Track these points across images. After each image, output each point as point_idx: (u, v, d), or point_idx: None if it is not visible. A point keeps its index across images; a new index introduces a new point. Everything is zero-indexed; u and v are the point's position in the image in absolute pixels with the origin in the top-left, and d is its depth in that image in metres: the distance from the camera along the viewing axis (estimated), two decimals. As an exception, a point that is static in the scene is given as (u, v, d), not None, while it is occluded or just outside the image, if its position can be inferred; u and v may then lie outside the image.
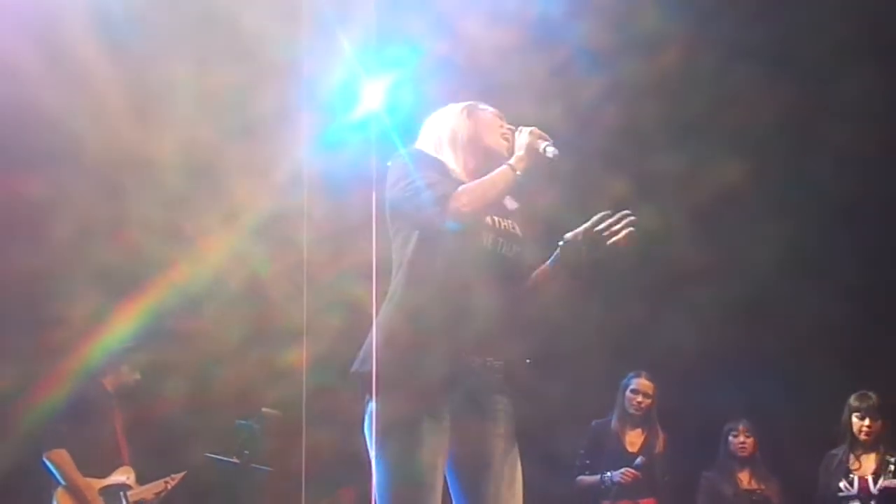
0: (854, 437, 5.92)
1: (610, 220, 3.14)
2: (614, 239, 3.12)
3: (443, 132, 3.26)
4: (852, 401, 5.97)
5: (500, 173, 3.08)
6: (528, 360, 3.23)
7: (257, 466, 5.55)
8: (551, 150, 3.09)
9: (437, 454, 2.99)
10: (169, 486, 5.87)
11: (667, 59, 6.25)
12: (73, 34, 5.56)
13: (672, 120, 6.56)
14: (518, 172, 3.06)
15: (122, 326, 6.03)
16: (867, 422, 5.89)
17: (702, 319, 6.65)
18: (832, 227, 6.63)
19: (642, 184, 6.48)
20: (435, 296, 3.02)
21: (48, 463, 5.66)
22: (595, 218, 3.16)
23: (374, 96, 4.48)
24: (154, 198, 6.11)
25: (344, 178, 5.35)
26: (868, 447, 5.90)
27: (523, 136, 3.13)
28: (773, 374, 6.72)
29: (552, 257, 3.23)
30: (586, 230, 3.16)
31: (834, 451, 6.00)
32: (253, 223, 6.17)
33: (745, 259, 6.76)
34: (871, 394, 5.94)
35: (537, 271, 3.27)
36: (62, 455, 5.64)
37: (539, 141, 3.10)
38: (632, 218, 3.14)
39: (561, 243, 3.20)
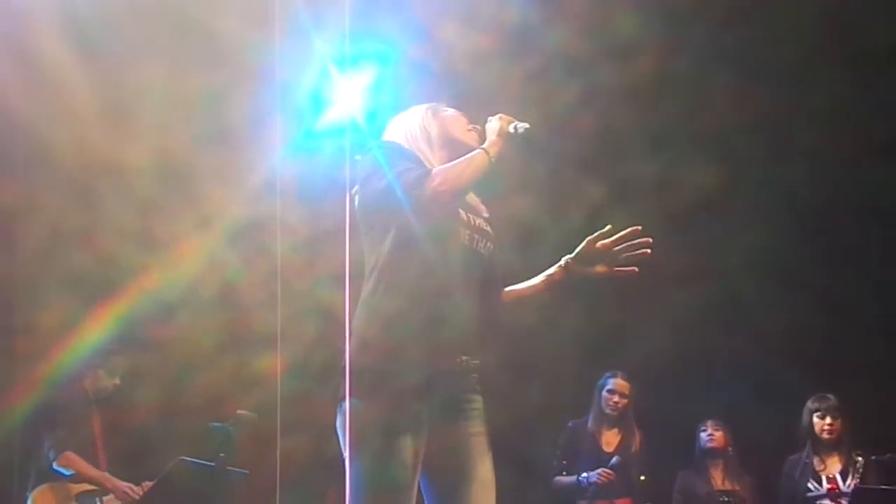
0: (816, 438, 5.95)
1: (625, 239, 3.19)
2: (626, 256, 3.20)
3: (413, 128, 3.26)
4: (810, 403, 6.02)
5: (474, 156, 3.08)
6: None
7: (233, 469, 5.51)
8: (521, 126, 3.13)
9: (413, 458, 2.96)
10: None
11: (642, 64, 6.26)
12: (46, 39, 5.52)
13: (647, 125, 6.58)
14: (492, 156, 3.07)
15: (94, 333, 5.98)
16: (828, 420, 5.92)
17: (678, 323, 6.67)
18: (806, 232, 6.66)
19: (618, 189, 6.49)
20: (413, 294, 3.00)
21: (60, 469, 5.70)
22: (602, 231, 3.21)
23: (348, 102, 4.47)
24: (127, 204, 6.07)
25: (318, 183, 5.33)
26: (831, 447, 5.93)
27: (493, 124, 3.15)
28: (748, 376, 6.75)
29: (545, 275, 3.27)
30: (589, 242, 3.21)
31: (794, 456, 6.03)
32: (226, 229, 6.14)
33: (721, 263, 6.78)
34: (828, 395, 5.99)
35: (522, 287, 3.31)
36: (70, 457, 5.70)
37: (510, 124, 3.13)
38: (648, 240, 3.20)
39: (562, 263, 3.25)
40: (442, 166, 3.10)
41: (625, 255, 3.22)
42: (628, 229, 3.21)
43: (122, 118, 5.86)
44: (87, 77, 5.70)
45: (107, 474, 5.80)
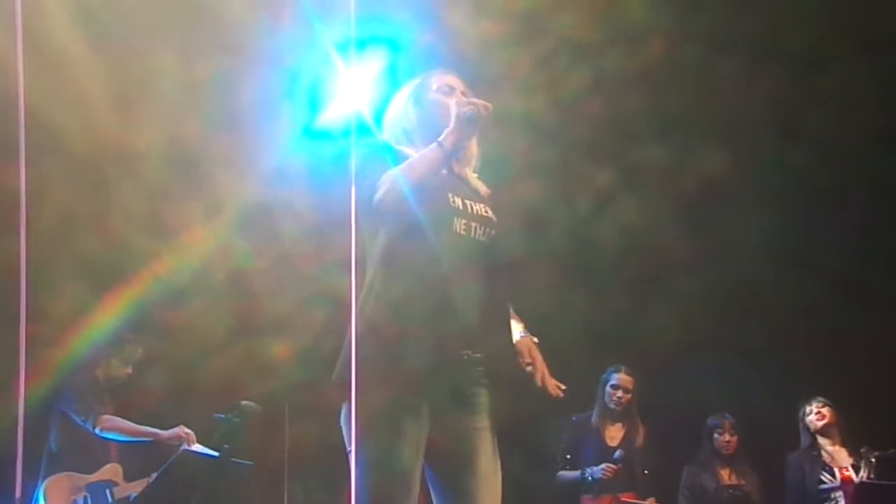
0: (812, 432, 6.08)
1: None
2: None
3: (395, 125, 3.29)
4: (801, 409, 6.19)
5: (429, 150, 3.09)
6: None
7: (238, 461, 5.51)
8: (464, 112, 3.07)
9: (416, 447, 2.97)
10: None
11: (651, 50, 6.24)
12: (56, 24, 5.52)
13: (656, 111, 6.56)
14: (447, 146, 3.06)
15: (104, 319, 6.00)
16: (815, 411, 6.10)
17: (686, 310, 6.66)
18: (816, 218, 6.64)
19: (626, 175, 6.49)
20: (411, 287, 3.01)
21: (106, 434, 5.66)
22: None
23: (356, 88, 4.47)
24: (137, 190, 6.08)
25: (325, 170, 5.34)
26: (830, 436, 6.01)
27: (452, 108, 3.12)
28: (757, 365, 6.74)
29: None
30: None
31: (795, 454, 6.12)
32: (236, 215, 6.15)
33: (730, 250, 6.77)
34: (816, 397, 6.17)
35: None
36: (110, 419, 5.68)
37: (462, 110, 3.09)
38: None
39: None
40: (390, 171, 3.07)
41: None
42: (551, 387, 3.24)
43: (133, 104, 5.87)
44: (98, 63, 5.70)
45: (149, 428, 5.72)
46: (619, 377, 6.19)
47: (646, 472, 6.05)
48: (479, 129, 3.12)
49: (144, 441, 5.74)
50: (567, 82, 6.16)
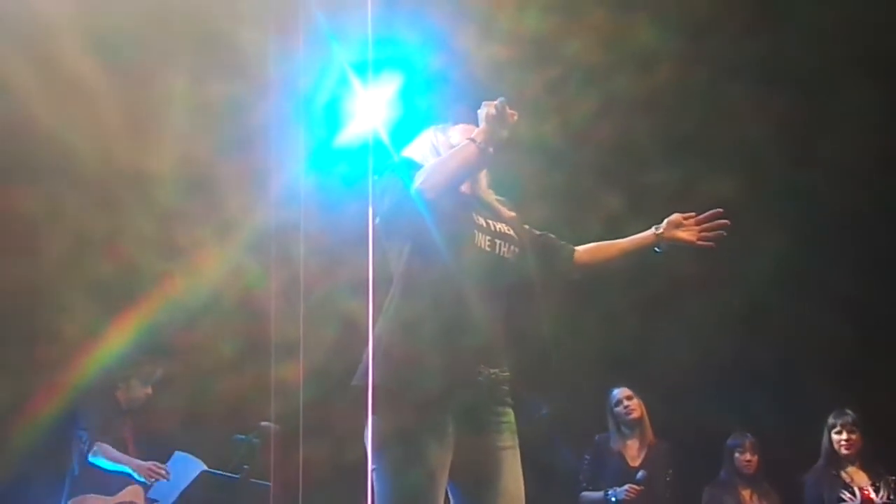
0: (835, 454, 5.99)
1: (707, 219, 3.38)
2: (705, 234, 3.39)
3: (423, 149, 3.31)
4: (830, 419, 6.06)
5: (460, 147, 3.11)
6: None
7: (257, 481, 5.51)
8: (499, 101, 3.07)
9: (438, 467, 2.96)
10: None
11: (660, 74, 6.28)
12: (69, 49, 5.57)
13: (665, 135, 6.58)
14: (479, 142, 3.05)
15: (117, 341, 6.02)
16: (845, 436, 5.97)
17: (698, 332, 6.67)
18: (826, 240, 6.65)
19: (636, 198, 6.50)
20: (433, 304, 3.01)
21: (94, 461, 5.66)
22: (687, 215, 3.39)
23: (369, 111, 4.50)
24: (149, 212, 6.11)
25: (339, 192, 5.37)
26: (852, 461, 5.96)
27: (480, 111, 3.13)
28: (769, 386, 6.73)
29: (634, 237, 3.43)
30: (676, 216, 3.41)
31: (814, 471, 6.04)
32: (248, 237, 6.18)
33: (740, 272, 6.77)
34: (847, 410, 6.03)
35: (602, 244, 3.47)
36: (101, 447, 5.66)
37: (489, 110, 3.09)
38: (725, 222, 3.36)
39: (653, 231, 3.40)
40: (426, 166, 3.13)
41: (704, 233, 3.39)
42: (712, 211, 3.40)
43: (145, 127, 5.91)
44: (111, 86, 5.75)
45: (131, 458, 5.74)
46: (616, 393, 6.21)
47: (668, 493, 6.04)
48: (509, 129, 3.08)
49: (123, 470, 5.74)
50: (576, 106, 6.20)
